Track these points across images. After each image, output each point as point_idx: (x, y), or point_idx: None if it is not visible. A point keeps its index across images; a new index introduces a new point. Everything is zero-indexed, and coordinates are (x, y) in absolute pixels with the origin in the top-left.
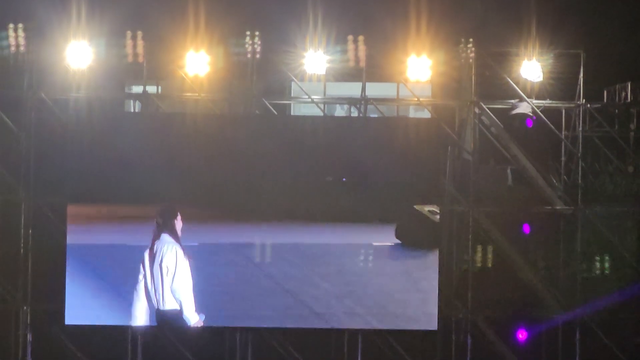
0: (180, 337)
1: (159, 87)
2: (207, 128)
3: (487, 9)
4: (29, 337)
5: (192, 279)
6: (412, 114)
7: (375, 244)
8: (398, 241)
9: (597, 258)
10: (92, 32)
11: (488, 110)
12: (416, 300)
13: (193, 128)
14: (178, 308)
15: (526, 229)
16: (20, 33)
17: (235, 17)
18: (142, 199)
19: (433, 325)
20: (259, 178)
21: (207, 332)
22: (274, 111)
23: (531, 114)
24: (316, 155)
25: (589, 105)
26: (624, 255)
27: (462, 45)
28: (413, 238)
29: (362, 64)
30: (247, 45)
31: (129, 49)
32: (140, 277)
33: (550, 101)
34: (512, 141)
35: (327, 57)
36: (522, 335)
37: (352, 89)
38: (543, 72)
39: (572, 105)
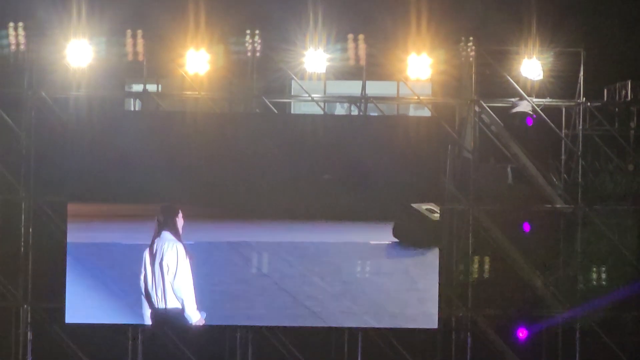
0: (181, 336)
1: (159, 86)
2: (207, 126)
3: (488, 7)
4: (29, 335)
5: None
6: (412, 112)
7: (372, 242)
8: (395, 239)
9: (594, 269)
10: (93, 30)
11: (488, 109)
12: (414, 299)
13: (193, 126)
14: (179, 307)
15: (526, 227)
16: (21, 32)
17: (236, 15)
18: (142, 198)
19: (433, 323)
20: (259, 176)
21: (208, 331)
22: (274, 110)
23: (531, 113)
24: (316, 154)
25: (589, 104)
26: (624, 254)
27: (462, 44)
28: (410, 236)
29: (363, 62)
30: (247, 44)
31: (129, 48)
32: (142, 276)
33: (551, 99)
34: (512, 139)
35: (328, 56)
36: (522, 333)
37: (352, 88)
38: (543, 71)
39: (572, 103)
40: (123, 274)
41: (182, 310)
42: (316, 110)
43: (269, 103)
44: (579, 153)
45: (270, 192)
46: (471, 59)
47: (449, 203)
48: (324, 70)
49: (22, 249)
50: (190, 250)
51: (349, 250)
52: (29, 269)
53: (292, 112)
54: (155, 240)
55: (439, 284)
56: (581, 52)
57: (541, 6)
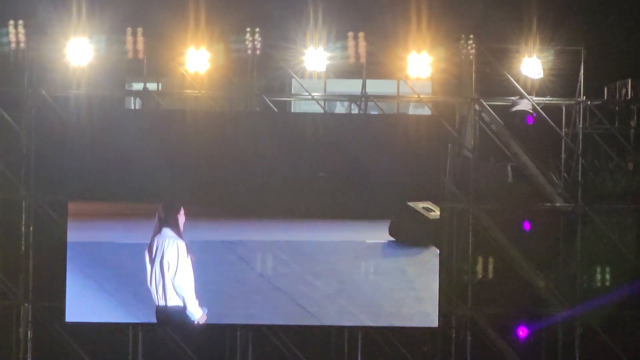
0: (181, 334)
1: (159, 84)
2: (208, 125)
3: (488, 5)
4: (30, 334)
5: None
6: (412, 111)
7: (368, 241)
8: (391, 238)
9: (594, 268)
10: (93, 29)
11: (488, 107)
12: (410, 298)
13: (193, 125)
14: (181, 304)
15: (526, 226)
16: (21, 30)
17: (236, 14)
18: (142, 196)
19: (433, 322)
20: (259, 175)
21: (208, 330)
22: (274, 108)
23: (531, 111)
24: (316, 153)
25: (589, 102)
26: (624, 253)
27: (462, 42)
28: (406, 235)
29: (363, 60)
30: (247, 42)
31: (129, 46)
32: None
33: (551, 98)
34: (513, 138)
35: (328, 54)
36: (522, 332)
37: (353, 86)
38: (543, 69)
39: (573, 102)
40: (123, 273)
41: (184, 307)
42: (316, 108)
43: (269, 101)
44: (579, 152)
45: (270, 190)
46: (471, 57)
47: (449, 202)
48: (324, 69)
49: (23, 247)
50: (190, 248)
51: (346, 249)
52: (29, 267)
53: (292, 110)
54: (156, 238)
55: (439, 282)
56: (581, 50)
57: (541, 4)
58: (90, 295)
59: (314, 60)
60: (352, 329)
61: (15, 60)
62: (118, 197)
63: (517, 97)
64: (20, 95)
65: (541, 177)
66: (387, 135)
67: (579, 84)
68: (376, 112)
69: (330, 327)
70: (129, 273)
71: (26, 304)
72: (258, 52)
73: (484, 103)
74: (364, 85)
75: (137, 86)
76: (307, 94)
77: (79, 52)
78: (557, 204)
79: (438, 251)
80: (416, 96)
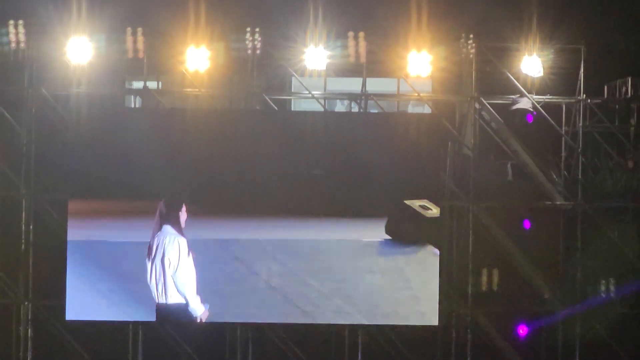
0: (181, 332)
1: (160, 83)
2: (208, 124)
3: (488, 4)
4: (30, 332)
5: None
6: (412, 109)
7: (364, 240)
8: (388, 236)
9: (603, 281)
10: (93, 27)
11: (488, 106)
12: (407, 297)
13: (193, 124)
14: (182, 301)
15: (526, 224)
16: (21, 29)
17: (236, 12)
18: (142, 195)
19: (431, 321)
20: (259, 174)
21: (208, 328)
22: (275, 107)
23: (531, 109)
24: (316, 151)
25: (589, 101)
26: (624, 251)
27: (462, 41)
28: (402, 233)
29: (363, 59)
30: (247, 41)
31: (129, 45)
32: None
33: (551, 96)
34: (513, 136)
35: (328, 53)
36: (522, 330)
37: (353, 85)
38: (543, 68)
39: (573, 100)
40: (124, 271)
41: (186, 305)
42: (316, 107)
43: (269, 100)
44: (579, 150)
45: (270, 189)
46: (471, 55)
47: (448, 200)
48: (324, 67)
49: (23, 246)
50: (191, 246)
51: (342, 247)
52: (29, 266)
53: (292, 109)
54: (156, 235)
55: (440, 281)
56: (581, 48)
57: (541, 3)
58: (90, 293)
59: (314, 59)
60: (353, 328)
61: (15, 59)
62: (118, 195)
63: (517, 95)
64: (21, 94)
65: (541, 175)
66: (387, 133)
67: (579, 82)
68: (376, 111)
69: (331, 325)
70: (128, 271)
71: (26, 303)
72: (258, 50)
73: (484, 101)
74: (364, 84)
75: (137, 85)
76: (307, 92)
77: (79, 50)
78: (557, 202)
79: (435, 249)
80: (416, 95)
